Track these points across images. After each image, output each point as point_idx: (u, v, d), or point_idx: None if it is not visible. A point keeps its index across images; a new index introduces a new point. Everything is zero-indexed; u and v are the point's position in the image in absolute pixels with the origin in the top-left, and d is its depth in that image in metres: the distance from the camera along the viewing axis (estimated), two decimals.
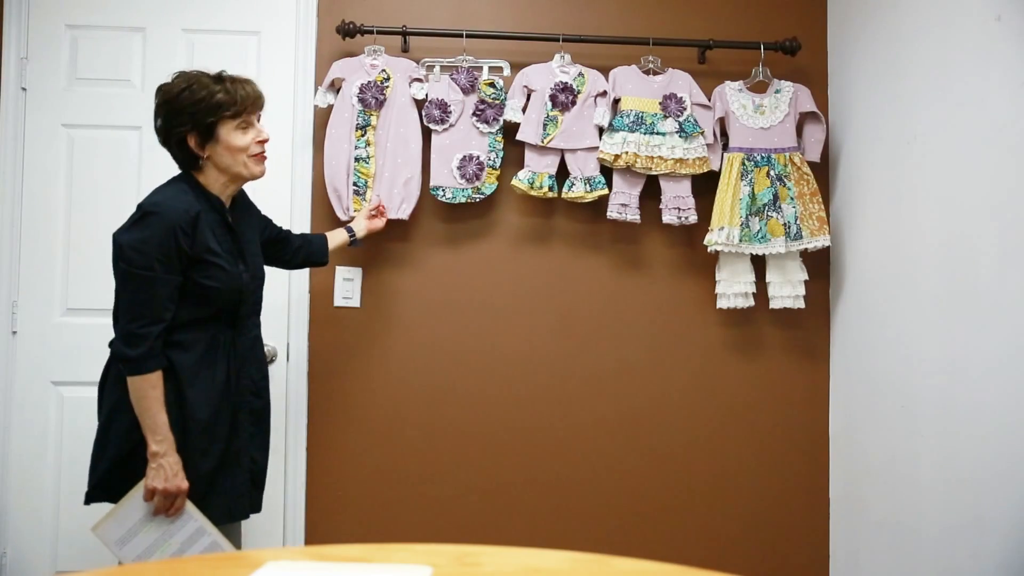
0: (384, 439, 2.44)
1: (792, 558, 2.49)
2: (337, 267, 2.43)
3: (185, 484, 1.62)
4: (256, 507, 1.83)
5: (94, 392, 2.39)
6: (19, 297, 2.40)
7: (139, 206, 1.65)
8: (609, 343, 2.50)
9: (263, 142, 1.76)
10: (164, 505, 1.61)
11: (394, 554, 1.05)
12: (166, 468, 1.60)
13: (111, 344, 1.65)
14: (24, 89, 2.41)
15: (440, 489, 2.45)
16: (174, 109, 1.67)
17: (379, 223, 2.30)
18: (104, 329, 2.37)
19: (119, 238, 1.63)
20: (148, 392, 1.60)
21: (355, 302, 2.46)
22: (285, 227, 2.17)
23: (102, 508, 1.66)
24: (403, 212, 2.35)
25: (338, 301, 2.44)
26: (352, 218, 2.32)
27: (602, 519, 2.47)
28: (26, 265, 2.40)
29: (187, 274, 1.64)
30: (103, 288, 2.39)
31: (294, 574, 0.98)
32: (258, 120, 1.78)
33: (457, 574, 0.99)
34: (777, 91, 2.43)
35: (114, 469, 1.66)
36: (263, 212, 2.01)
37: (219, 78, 1.72)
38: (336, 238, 2.21)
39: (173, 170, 2.39)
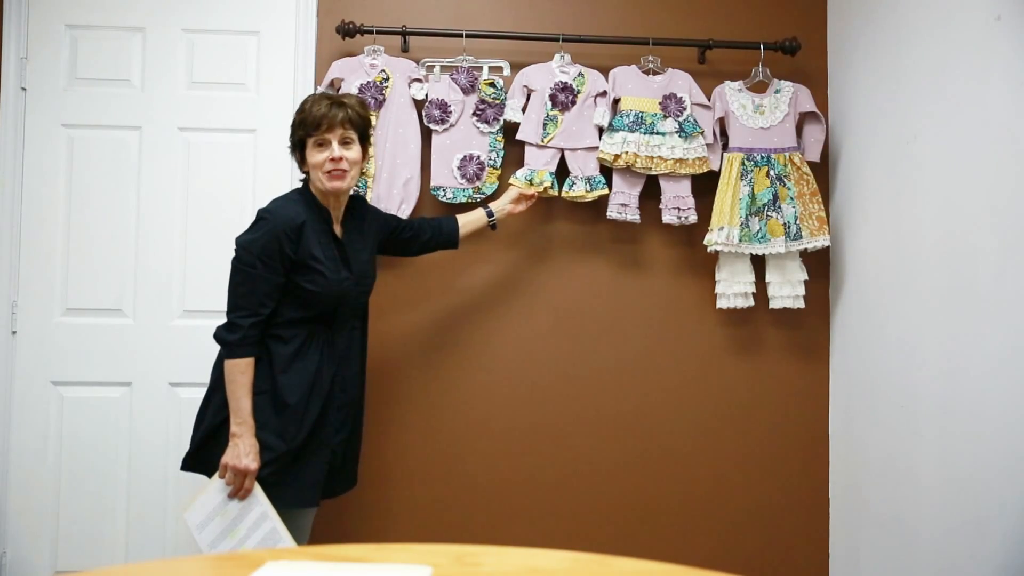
0: (383, 439, 2.44)
1: (792, 558, 2.49)
2: None
3: (254, 465, 1.73)
4: (329, 494, 1.94)
5: (94, 392, 2.44)
6: (19, 297, 2.40)
7: (257, 211, 1.83)
8: (608, 343, 2.50)
9: (335, 160, 1.84)
10: (235, 484, 1.73)
11: (394, 554, 1.05)
12: (240, 447, 1.73)
13: (216, 328, 1.80)
14: (24, 89, 2.42)
15: (440, 489, 2.45)
16: (291, 125, 1.88)
17: (521, 207, 2.32)
18: (103, 329, 2.42)
19: (237, 237, 1.81)
20: (237, 377, 1.76)
21: None
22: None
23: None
24: (403, 212, 2.35)
25: None
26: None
27: (602, 519, 2.47)
28: (26, 265, 2.40)
29: (290, 276, 1.79)
30: (103, 288, 2.41)
31: (294, 574, 0.98)
32: (353, 140, 1.88)
33: (457, 574, 0.99)
34: (777, 91, 2.43)
35: (206, 440, 1.83)
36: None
37: (324, 97, 1.87)
38: (473, 220, 2.24)
39: (172, 171, 2.44)
